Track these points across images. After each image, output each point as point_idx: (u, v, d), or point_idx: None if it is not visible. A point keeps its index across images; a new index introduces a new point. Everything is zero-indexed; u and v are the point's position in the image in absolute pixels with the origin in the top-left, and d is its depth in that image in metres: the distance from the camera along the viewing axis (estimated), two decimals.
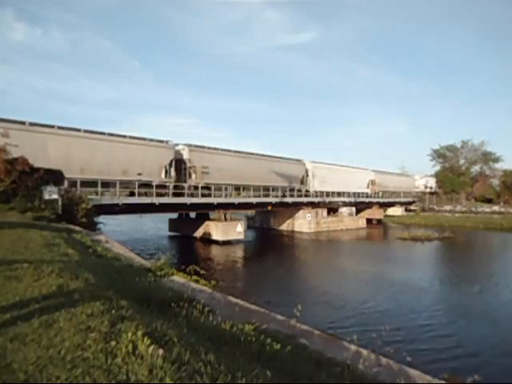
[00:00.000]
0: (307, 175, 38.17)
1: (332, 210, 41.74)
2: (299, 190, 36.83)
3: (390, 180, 52.35)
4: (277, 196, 33.35)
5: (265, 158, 33.59)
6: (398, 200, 53.54)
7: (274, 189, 33.18)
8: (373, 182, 48.44)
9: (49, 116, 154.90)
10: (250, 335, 3.64)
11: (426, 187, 67.09)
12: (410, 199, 58.83)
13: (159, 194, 23.15)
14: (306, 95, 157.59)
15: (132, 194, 22.23)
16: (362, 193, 45.80)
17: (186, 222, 31.89)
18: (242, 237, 28.74)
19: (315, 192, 38.06)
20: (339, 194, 41.35)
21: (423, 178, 67.82)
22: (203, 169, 26.43)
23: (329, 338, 4.95)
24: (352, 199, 42.75)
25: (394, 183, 53.71)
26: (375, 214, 47.60)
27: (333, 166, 42.10)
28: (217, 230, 27.98)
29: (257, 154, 32.82)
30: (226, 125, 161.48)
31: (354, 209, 43.96)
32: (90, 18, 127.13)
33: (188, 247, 26.90)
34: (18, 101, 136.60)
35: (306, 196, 37.08)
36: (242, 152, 31.08)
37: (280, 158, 35.58)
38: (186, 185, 25.24)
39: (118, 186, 20.73)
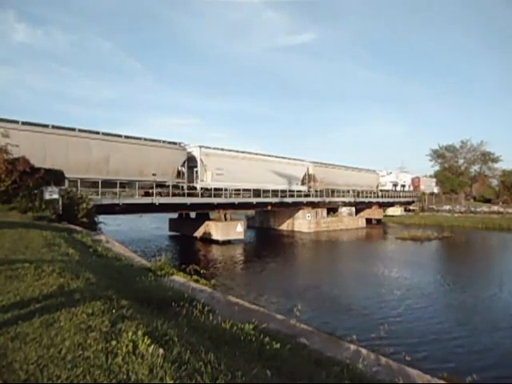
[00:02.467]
0: (194, 166, 27.18)
1: (332, 209, 41.76)
2: (176, 187, 25.57)
3: (339, 175, 42.90)
4: (276, 196, 32.62)
5: (110, 138, 22.61)
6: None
7: (126, 185, 22.60)
8: (312, 178, 38.80)
9: (50, 116, 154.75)
10: (250, 335, 3.65)
11: (395, 185, 56.31)
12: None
13: None
14: (305, 96, 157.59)
15: None
16: (291, 191, 35.18)
17: (186, 222, 31.90)
18: (241, 237, 28.75)
19: (206, 190, 27.19)
20: (258, 193, 31.37)
21: (392, 175, 56.42)
22: None
23: (328, 338, 4.96)
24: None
25: (347, 179, 43.95)
26: (375, 213, 47.61)
27: (239, 154, 31.24)
28: (217, 229, 27.99)
29: (90, 132, 21.89)
30: (226, 125, 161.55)
31: (353, 209, 43.98)
32: (91, 19, 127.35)
33: (188, 247, 26.90)
34: (19, 101, 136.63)
35: (191, 195, 25.89)
36: (61, 128, 20.53)
37: (137, 138, 23.89)
38: None
39: None
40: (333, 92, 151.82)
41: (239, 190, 29.87)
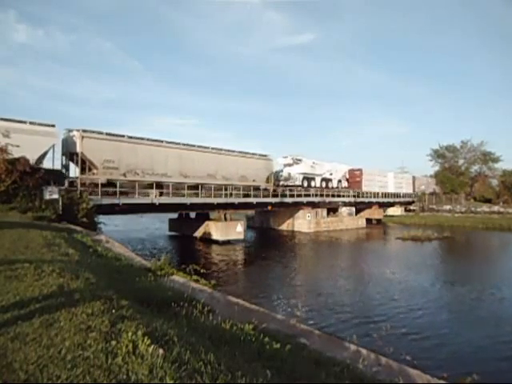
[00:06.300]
0: None
1: (332, 209, 41.72)
2: None
3: (164, 158, 24.46)
4: (276, 195, 32.37)
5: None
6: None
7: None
8: (81, 159, 19.86)
9: (50, 117, 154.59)
10: (250, 335, 3.65)
11: (308, 179, 37.99)
12: (408, 199, 56.02)
13: None
14: (306, 96, 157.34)
15: None
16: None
17: (186, 222, 31.89)
18: (241, 237, 28.74)
19: None
20: None
21: (302, 164, 37.30)
22: None
23: (328, 338, 4.96)
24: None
25: (188, 166, 25.90)
26: (375, 213, 47.57)
27: None
28: (217, 229, 27.98)
29: None
30: (226, 125, 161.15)
31: (353, 209, 43.91)
32: (92, 19, 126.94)
33: (188, 247, 26.89)
34: (19, 102, 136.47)
35: None
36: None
37: None
38: None
39: None
40: (333, 92, 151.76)
41: None
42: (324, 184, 40.46)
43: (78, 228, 11.71)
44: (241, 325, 3.90)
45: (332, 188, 41.13)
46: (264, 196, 31.28)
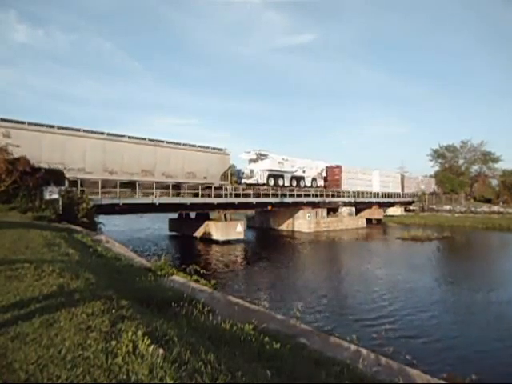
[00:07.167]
0: None
1: (332, 209, 41.70)
2: None
3: (58, 144, 19.31)
4: (276, 195, 32.55)
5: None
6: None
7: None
8: None
9: (50, 117, 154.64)
10: (250, 335, 3.65)
11: (275, 177, 34.08)
12: (409, 199, 56.42)
13: None
14: (306, 96, 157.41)
15: None
16: None
17: (186, 222, 31.89)
18: (241, 237, 28.74)
19: None
20: None
21: (268, 160, 33.33)
22: None
23: (328, 338, 4.96)
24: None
25: (95, 156, 20.77)
26: (375, 213, 47.57)
27: None
28: (217, 229, 27.98)
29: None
30: (226, 125, 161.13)
31: (353, 209, 43.89)
32: (92, 19, 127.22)
33: (188, 247, 26.89)
34: (19, 102, 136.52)
35: None
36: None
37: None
38: None
39: None
40: (333, 92, 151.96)
41: None
42: (295, 182, 36.75)
43: (78, 228, 11.70)
44: (241, 325, 3.90)
45: (304, 187, 37.68)
46: (216, 196, 27.06)
